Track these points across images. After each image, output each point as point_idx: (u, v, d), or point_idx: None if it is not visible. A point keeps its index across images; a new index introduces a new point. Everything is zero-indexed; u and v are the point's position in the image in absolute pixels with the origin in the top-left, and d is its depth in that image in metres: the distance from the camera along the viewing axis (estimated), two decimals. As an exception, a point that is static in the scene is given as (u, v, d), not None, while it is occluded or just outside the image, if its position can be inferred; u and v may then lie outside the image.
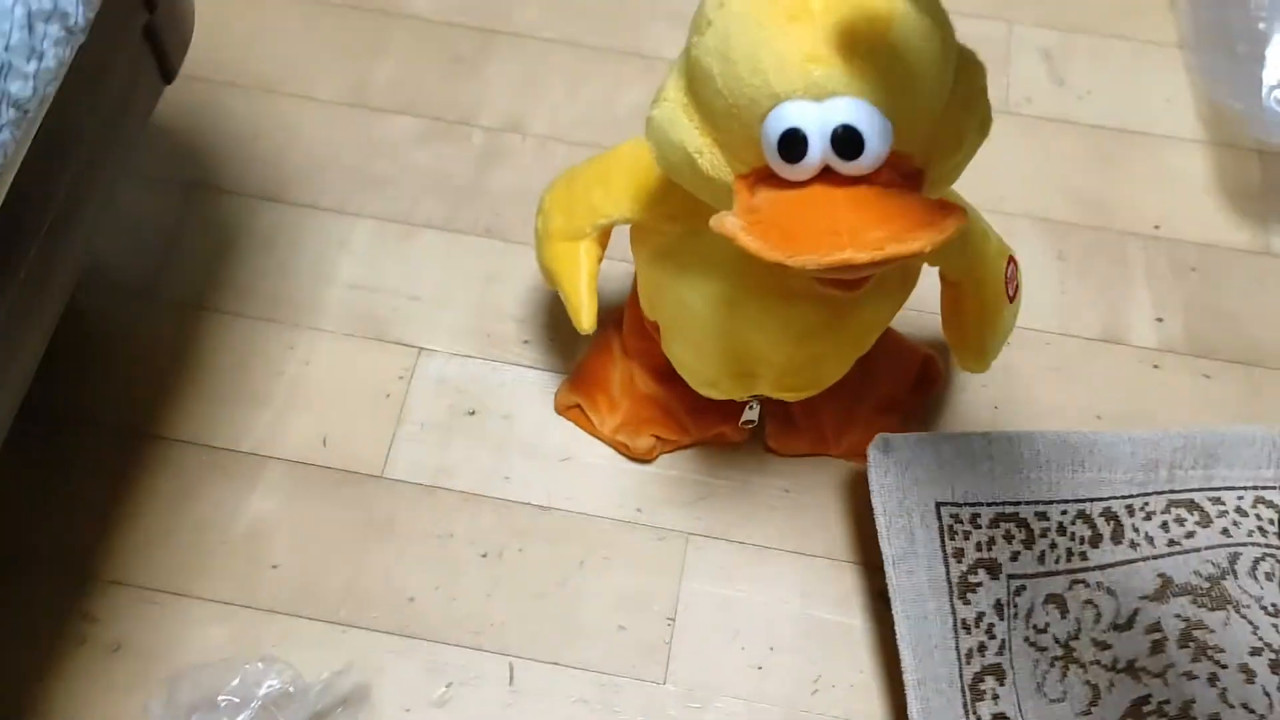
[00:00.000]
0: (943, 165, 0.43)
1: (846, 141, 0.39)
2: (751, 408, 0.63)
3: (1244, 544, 0.63)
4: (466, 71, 0.79)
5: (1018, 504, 0.62)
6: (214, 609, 0.60)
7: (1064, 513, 0.62)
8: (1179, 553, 0.63)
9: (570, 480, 0.65)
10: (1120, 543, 0.63)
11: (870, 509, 0.60)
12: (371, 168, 0.75)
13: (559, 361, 0.69)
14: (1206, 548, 0.63)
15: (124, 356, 0.68)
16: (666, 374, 0.62)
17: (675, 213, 0.52)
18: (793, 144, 0.39)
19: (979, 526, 0.61)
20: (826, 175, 0.41)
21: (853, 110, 0.39)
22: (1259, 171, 0.78)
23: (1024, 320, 0.69)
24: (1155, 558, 0.63)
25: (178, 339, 0.68)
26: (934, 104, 0.41)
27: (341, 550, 0.63)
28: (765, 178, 0.42)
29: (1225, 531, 0.63)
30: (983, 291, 0.58)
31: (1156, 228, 0.76)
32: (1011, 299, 0.59)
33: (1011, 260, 0.59)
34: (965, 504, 0.61)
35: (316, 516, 0.63)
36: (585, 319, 0.56)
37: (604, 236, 0.57)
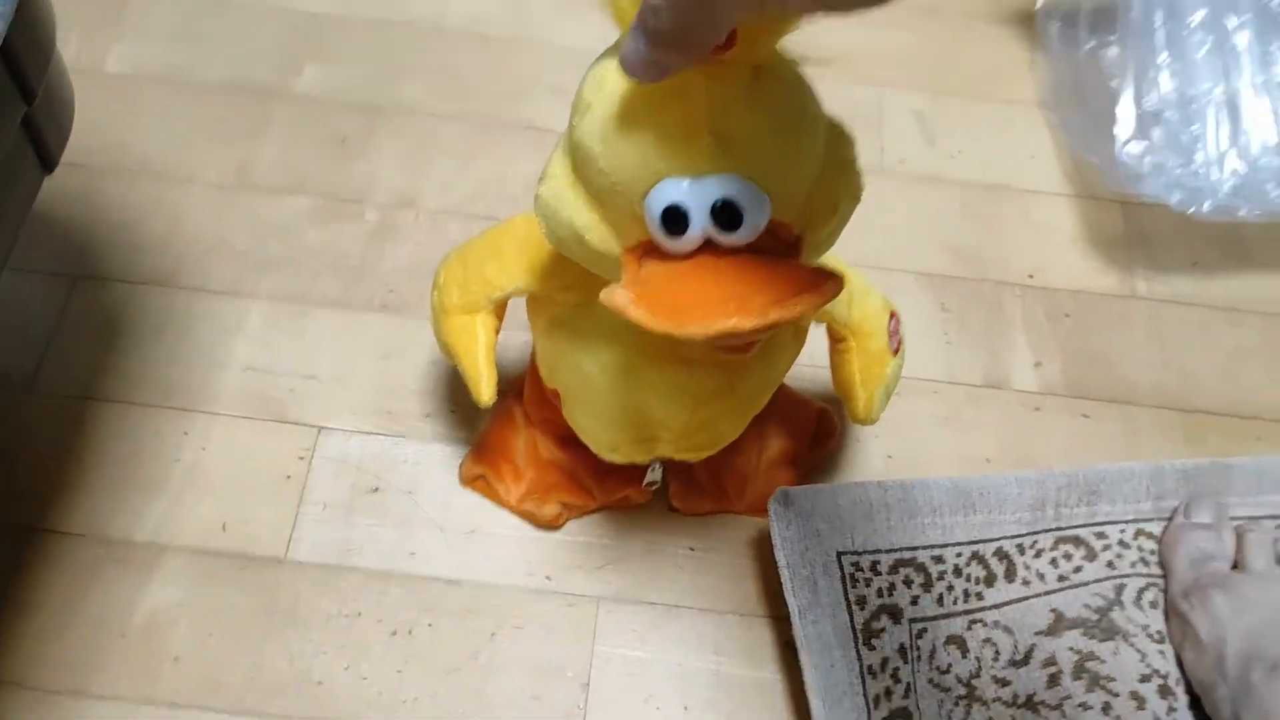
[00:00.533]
0: (819, 232, 0.44)
1: (726, 215, 0.40)
2: (654, 469, 0.64)
3: (1128, 575, 0.66)
4: (355, 149, 0.79)
5: (914, 549, 0.64)
6: (114, 707, 0.59)
7: (959, 555, 0.65)
8: (1069, 587, 0.65)
9: (478, 552, 0.65)
10: (1014, 581, 0.65)
11: (775, 562, 0.61)
12: (263, 249, 0.75)
13: (461, 434, 0.69)
14: (1094, 581, 0.66)
15: (11, 452, 0.66)
16: (570, 440, 0.63)
17: (569, 283, 0.53)
18: (674, 219, 0.41)
19: (879, 573, 0.63)
20: (710, 246, 0.42)
21: (730, 185, 0.40)
22: (1121, 220, 0.83)
23: (912, 370, 0.72)
24: (1047, 593, 0.65)
25: (67, 431, 0.67)
26: (807, 175, 0.43)
27: (245, 637, 0.61)
28: (651, 250, 0.43)
29: (1110, 564, 0.66)
30: (868, 346, 0.60)
31: (1030, 277, 0.80)
32: (895, 352, 0.61)
33: (894, 315, 0.61)
34: (865, 552, 0.63)
35: (218, 604, 0.62)
36: (485, 391, 0.56)
37: (500, 308, 0.58)
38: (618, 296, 0.40)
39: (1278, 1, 0.76)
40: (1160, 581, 0.66)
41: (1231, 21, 0.76)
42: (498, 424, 0.68)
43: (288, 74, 0.83)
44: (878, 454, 0.71)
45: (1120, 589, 0.65)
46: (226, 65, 0.83)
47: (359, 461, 0.67)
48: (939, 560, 0.64)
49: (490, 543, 0.65)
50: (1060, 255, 0.81)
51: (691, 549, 0.67)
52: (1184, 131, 0.74)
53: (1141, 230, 0.82)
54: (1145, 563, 0.67)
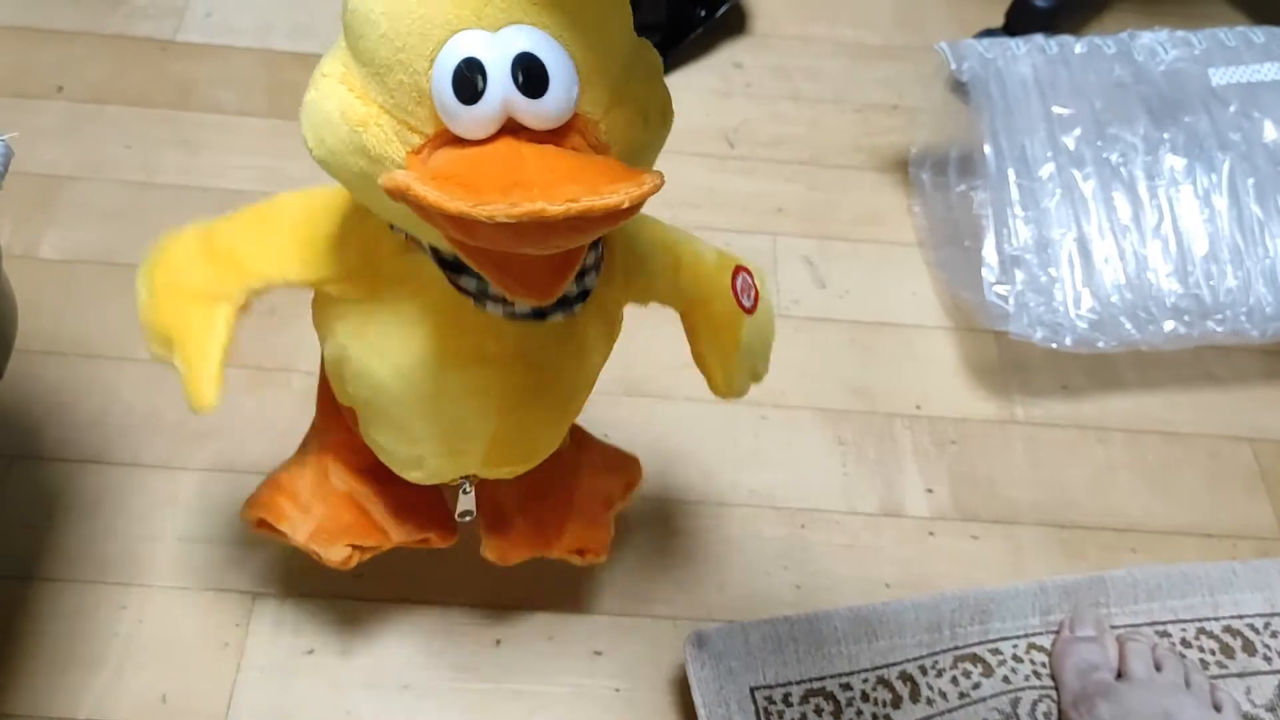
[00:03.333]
0: (628, 143, 0.40)
1: (529, 73, 0.36)
2: (465, 492, 0.58)
3: (1023, 688, 0.71)
4: (281, 321, 0.84)
5: (823, 678, 0.69)
6: None
7: (865, 680, 0.69)
8: (969, 704, 0.70)
9: (412, 708, 0.68)
10: (918, 701, 0.69)
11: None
12: (195, 421, 0.78)
13: (396, 588, 0.72)
14: (991, 696, 0.70)
15: (-51, 637, 0.68)
16: (369, 470, 0.58)
17: (350, 272, 0.47)
18: (468, 81, 0.36)
19: (791, 704, 0.67)
20: (511, 130, 0.37)
21: (533, 38, 0.36)
22: (996, 349, 0.90)
23: (815, 502, 0.78)
24: (949, 711, 0.70)
25: (4, 611, 0.69)
26: (616, 56, 0.39)
27: (187, 809, 0.63)
28: (441, 147, 0.38)
29: (1006, 679, 0.71)
30: (711, 312, 0.54)
31: (918, 407, 0.86)
32: (750, 310, 0.55)
33: (740, 270, 0.55)
34: (777, 685, 0.67)
35: (160, 778, 0.64)
36: (207, 391, 0.47)
37: (247, 306, 0.49)
38: (399, 175, 0.35)
39: (1115, 156, 0.85)
40: (1053, 693, 0.71)
41: (1078, 173, 0.84)
42: (288, 462, 0.63)
43: (214, 250, 0.87)
44: (786, 584, 0.76)
45: (1016, 703, 0.70)
46: (155, 244, 0.87)
47: (294, 624, 0.70)
48: (847, 687, 0.69)
49: (424, 698, 0.68)
50: (944, 385, 0.88)
51: (618, 689, 0.70)
52: (1043, 273, 0.82)
53: (1015, 358, 0.89)
54: (1038, 675, 0.72)
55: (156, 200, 0.90)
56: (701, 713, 0.64)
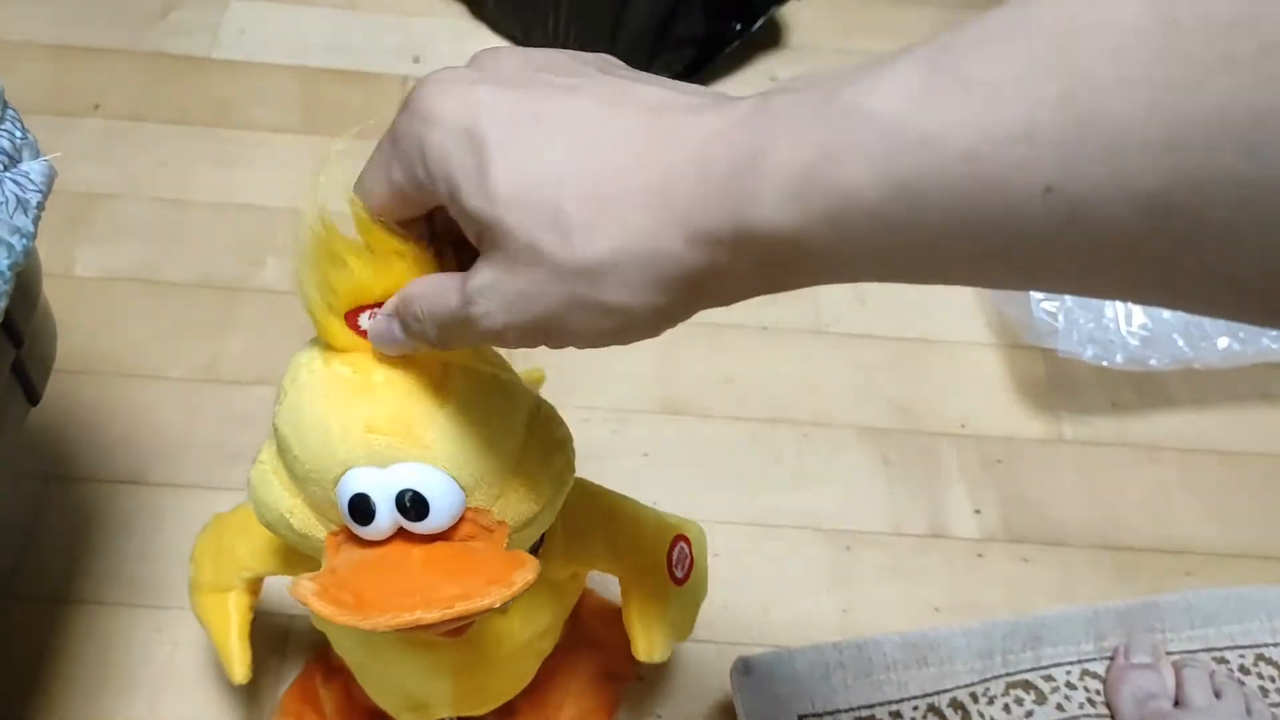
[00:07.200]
0: (521, 515, 0.45)
1: (411, 505, 0.41)
2: None
3: (1077, 715, 0.69)
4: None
5: (872, 706, 0.67)
6: None
7: (915, 708, 0.67)
8: (1022, 732, 0.68)
9: None
10: (969, 730, 0.68)
11: (739, 731, 0.64)
12: (231, 440, 0.77)
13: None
14: (1046, 725, 0.69)
15: (-16, 661, 0.67)
16: None
17: (311, 568, 0.52)
18: (361, 509, 0.41)
19: (840, 733, 0.65)
20: (405, 534, 0.43)
21: (416, 474, 0.41)
22: (1043, 368, 0.88)
23: (861, 524, 0.76)
24: (1002, 740, 0.68)
25: (39, 634, 0.68)
26: (502, 462, 0.43)
27: (224, 838, 0.62)
28: (351, 536, 0.43)
29: (1060, 706, 0.69)
30: (642, 584, 0.57)
31: (963, 426, 0.84)
32: (681, 582, 0.58)
33: (680, 539, 0.58)
34: (825, 713, 0.65)
35: (196, 806, 0.63)
36: (238, 672, 0.57)
37: (255, 585, 0.58)
38: (301, 588, 0.40)
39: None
40: (1108, 721, 0.69)
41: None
42: (307, 672, 0.67)
43: (252, 268, 0.87)
44: (832, 608, 0.75)
45: (1070, 731, 0.68)
46: (191, 263, 0.87)
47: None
48: (897, 715, 0.67)
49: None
50: (989, 403, 0.86)
51: (659, 716, 0.69)
52: (1092, 289, 0.80)
53: (1062, 375, 0.87)
54: (1092, 703, 0.70)
55: (193, 217, 0.90)
56: (749, 742, 0.63)
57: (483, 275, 0.33)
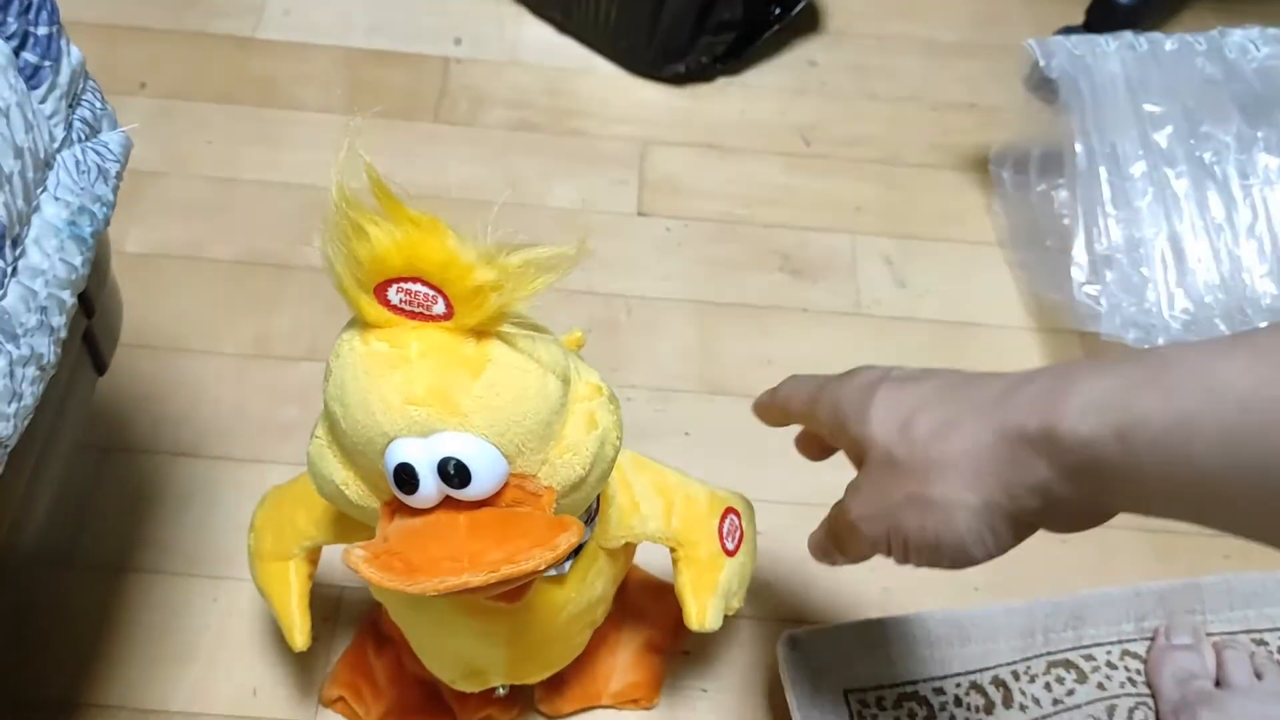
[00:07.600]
0: (567, 480, 0.45)
1: (455, 473, 0.42)
2: (500, 693, 0.62)
3: (1118, 695, 0.70)
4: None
5: (916, 682, 0.68)
6: None
7: (958, 685, 0.68)
8: (1063, 710, 0.69)
9: None
10: (1011, 707, 0.68)
11: (786, 703, 0.65)
12: (281, 415, 0.79)
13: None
14: (1087, 703, 0.69)
15: (46, 628, 0.69)
16: None
17: (366, 536, 0.53)
18: (406, 478, 0.42)
19: (884, 708, 0.66)
20: (450, 501, 0.44)
21: (457, 443, 0.42)
22: (1081, 351, 0.89)
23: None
24: (1044, 718, 0.69)
25: (99, 603, 0.69)
26: (543, 428, 0.44)
27: (282, 802, 0.63)
28: (402, 506, 0.45)
29: (1101, 685, 0.70)
30: (695, 554, 0.59)
31: (1002, 409, 0.85)
32: (732, 553, 0.60)
33: (729, 512, 0.60)
34: (870, 688, 0.66)
35: (254, 771, 0.64)
36: (298, 639, 0.59)
37: (314, 554, 0.59)
38: (352, 555, 0.41)
39: (1208, 154, 0.83)
40: (1149, 701, 0.70)
41: (1170, 172, 0.83)
42: (359, 643, 0.68)
43: (298, 245, 0.88)
44: (874, 585, 0.75)
45: (1112, 710, 0.69)
46: (240, 240, 0.88)
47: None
48: (940, 692, 0.68)
49: None
50: (1029, 387, 0.86)
51: (704, 690, 0.70)
52: (1134, 273, 0.81)
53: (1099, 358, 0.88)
54: (1133, 682, 0.70)
55: (240, 195, 0.91)
56: (796, 715, 0.64)
57: (856, 478, 0.48)
